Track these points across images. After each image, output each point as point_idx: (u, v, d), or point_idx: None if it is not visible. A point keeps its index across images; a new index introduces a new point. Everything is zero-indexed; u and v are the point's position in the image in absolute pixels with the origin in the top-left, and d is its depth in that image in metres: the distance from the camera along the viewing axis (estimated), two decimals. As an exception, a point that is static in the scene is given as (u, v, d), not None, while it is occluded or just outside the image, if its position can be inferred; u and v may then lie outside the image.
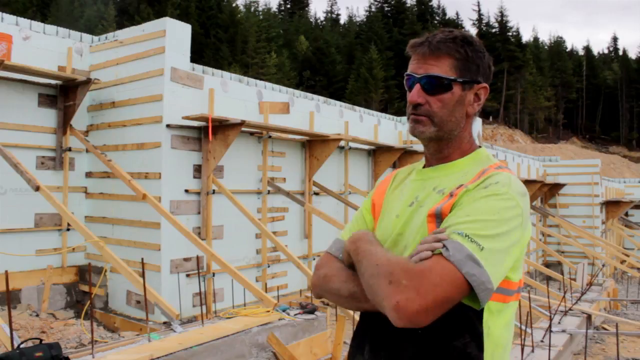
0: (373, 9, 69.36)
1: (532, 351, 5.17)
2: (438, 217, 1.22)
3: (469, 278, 1.06)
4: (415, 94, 1.29)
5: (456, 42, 1.30)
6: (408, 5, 69.73)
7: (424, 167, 1.43)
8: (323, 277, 1.33)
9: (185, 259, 6.80)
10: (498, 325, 1.21)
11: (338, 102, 10.51)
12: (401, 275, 1.06)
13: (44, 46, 6.89)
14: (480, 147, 1.39)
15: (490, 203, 1.16)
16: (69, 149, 7.06)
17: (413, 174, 1.44)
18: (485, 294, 1.08)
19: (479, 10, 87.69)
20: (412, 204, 1.33)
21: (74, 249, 6.89)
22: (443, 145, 1.35)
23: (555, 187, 17.52)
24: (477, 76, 1.32)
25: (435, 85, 1.28)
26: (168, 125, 6.71)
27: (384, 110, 43.18)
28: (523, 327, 5.37)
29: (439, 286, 1.04)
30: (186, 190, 6.96)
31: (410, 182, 1.41)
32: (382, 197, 1.47)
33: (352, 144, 10.11)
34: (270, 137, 8.28)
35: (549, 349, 5.05)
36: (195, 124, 6.99)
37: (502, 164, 1.34)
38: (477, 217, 1.13)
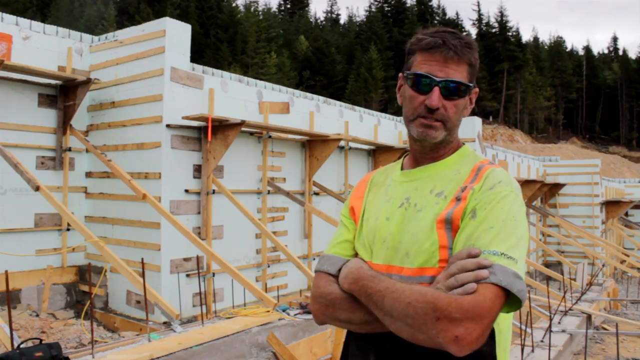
0: (373, 9, 69.34)
1: (532, 351, 5.17)
2: (448, 223, 1.22)
3: (518, 294, 1.10)
4: (436, 98, 1.27)
5: (471, 49, 1.31)
6: (408, 5, 69.70)
7: (403, 167, 1.42)
8: (326, 306, 1.29)
9: (185, 259, 6.80)
10: (505, 319, 1.25)
11: (338, 102, 10.51)
12: (450, 310, 1.07)
13: (44, 46, 6.89)
14: (463, 143, 1.41)
15: (505, 208, 1.19)
16: (69, 149, 7.06)
17: (396, 175, 1.42)
18: (525, 299, 1.13)
19: (479, 10, 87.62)
20: (402, 205, 1.31)
21: (74, 249, 6.89)
22: (440, 147, 1.35)
23: (555, 187, 17.53)
24: (474, 81, 1.35)
25: (454, 91, 1.29)
26: (168, 125, 6.70)
27: (383, 110, 43.18)
28: (523, 327, 5.36)
29: (493, 309, 1.09)
30: (186, 190, 6.96)
31: (395, 184, 1.39)
32: (361, 200, 1.44)
33: (352, 144, 10.11)
34: (270, 137, 8.28)
35: (549, 349, 5.05)
36: (195, 124, 6.99)
37: (489, 160, 1.36)
38: (501, 227, 1.17)
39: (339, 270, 1.32)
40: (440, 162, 1.35)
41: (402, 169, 1.42)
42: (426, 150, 1.36)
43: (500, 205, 1.19)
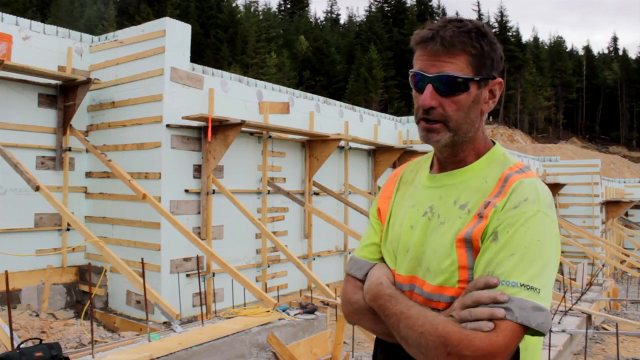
0: (373, 9, 69.31)
1: (532, 351, 5.16)
2: (468, 242, 1.15)
3: (538, 327, 1.04)
4: (427, 97, 1.17)
5: (471, 36, 1.17)
6: (408, 5, 69.68)
7: (431, 170, 1.34)
8: (352, 312, 1.32)
9: (185, 259, 6.80)
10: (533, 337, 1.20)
11: (338, 102, 10.52)
12: (461, 347, 1.03)
13: (44, 46, 6.89)
14: (494, 142, 1.29)
15: (530, 231, 1.10)
16: (69, 149, 7.06)
17: (423, 177, 1.34)
18: (546, 331, 1.07)
19: (479, 10, 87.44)
20: (425, 214, 1.26)
21: (74, 249, 6.89)
22: (458, 149, 1.25)
23: (555, 187, 17.51)
24: (492, 71, 1.21)
25: (450, 86, 1.17)
26: (168, 125, 6.71)
27: (383, 110, 43.16)
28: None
29: (509, 347, 1.03)
30: (186, 190, 6.96)
31: (421, 188, 1.32)
32: (388, 202, 1.39)
33: (352, 144, 10.11)
34: (270, 137, 8.28)
35: (549, 349, 5.05)
36: (195, 124, 6.99)
37: (520, 164, 1.24)
38: (523, 254, 1.08)
39: (366, 274, 1.31)
40: (467, 169, 1.25)
41: (431, 167, 1.34)
42: (443, 153, 1.27)
43: (524, 229, 1.10)
